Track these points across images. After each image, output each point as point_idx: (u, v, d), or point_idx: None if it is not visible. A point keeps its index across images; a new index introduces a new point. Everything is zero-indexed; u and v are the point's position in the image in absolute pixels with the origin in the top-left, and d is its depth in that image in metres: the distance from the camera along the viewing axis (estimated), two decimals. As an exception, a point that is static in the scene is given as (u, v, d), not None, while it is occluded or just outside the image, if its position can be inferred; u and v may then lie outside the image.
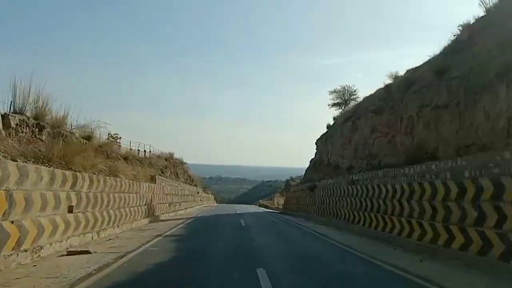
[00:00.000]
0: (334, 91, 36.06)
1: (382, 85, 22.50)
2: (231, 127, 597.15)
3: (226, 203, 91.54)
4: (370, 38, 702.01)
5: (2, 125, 9.40)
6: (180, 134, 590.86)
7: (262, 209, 47.01)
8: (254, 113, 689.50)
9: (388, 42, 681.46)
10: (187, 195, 34.15)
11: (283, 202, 46.73)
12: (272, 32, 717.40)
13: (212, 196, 63.11)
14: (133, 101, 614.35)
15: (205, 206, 43.43)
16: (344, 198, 19.66)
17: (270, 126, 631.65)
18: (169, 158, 35.56)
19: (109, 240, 11.75)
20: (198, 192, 43.73)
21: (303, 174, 41.67)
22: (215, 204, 59.76)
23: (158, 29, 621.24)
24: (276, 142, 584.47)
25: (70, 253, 8.90)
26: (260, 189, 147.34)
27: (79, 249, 9.32)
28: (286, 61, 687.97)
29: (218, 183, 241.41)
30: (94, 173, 11.76)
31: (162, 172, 29.70)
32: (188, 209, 33.12)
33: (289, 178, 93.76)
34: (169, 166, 33.93)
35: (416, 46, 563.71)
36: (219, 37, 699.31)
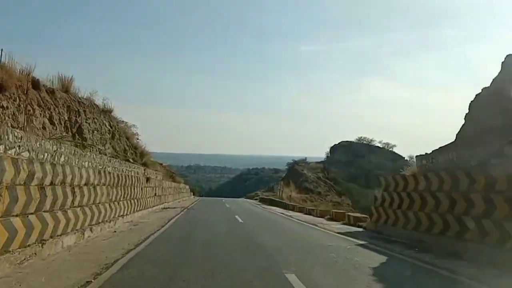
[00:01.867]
0: None
1: None
2: (206, 115, 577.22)
3: (208, 196, 76.56)
4: (349, 25, 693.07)
5: None
6: (154, 122, 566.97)
7: (278, 212, 26.19)
8: (231, 100, 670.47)
9: (368, 29, 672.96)
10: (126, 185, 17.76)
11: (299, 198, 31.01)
12: (250, 19, 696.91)
13: (187, 187, 46.63)
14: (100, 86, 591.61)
15: (175, 205, 27.09)
16: None
17: (248, 113, 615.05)
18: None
19: None
20: (154, 178, 27.67)
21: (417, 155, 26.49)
22: (193, 198, 43.91)
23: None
24: (255, 130, 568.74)
25: None
26: (244, 178, 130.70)
27: None
28: (262, 48, 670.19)
29: (197, 172, 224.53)
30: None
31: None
32: (136, 213, 16.87)
33: (292, 162, 78.17)
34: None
35: (398, 33, 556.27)
36: (191, 23, 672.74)
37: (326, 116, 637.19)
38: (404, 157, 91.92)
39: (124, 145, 19.99)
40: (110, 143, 18.67)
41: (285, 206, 31.03)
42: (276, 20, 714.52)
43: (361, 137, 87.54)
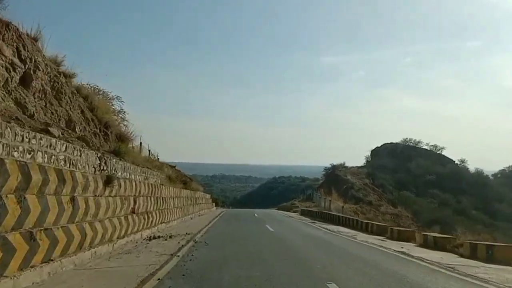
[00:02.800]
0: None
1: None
2: (231, 125, 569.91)
3: (234, 207, 67.24)
4: (370, 36, 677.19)
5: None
6: (182, 134, 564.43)
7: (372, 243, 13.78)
8: (255, 111, 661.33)
9: (387, 40, 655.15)
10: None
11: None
12: (272, 30, 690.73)
13: (208, 196, 36.93)
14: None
15: (177, 228, 17.26)
16: None
17: (272, 124, 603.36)
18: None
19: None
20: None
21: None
22: (216, 211, 34.29)
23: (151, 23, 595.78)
24: (278, 140, 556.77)
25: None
26: (270, 186, 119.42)
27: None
28: (286, 59, 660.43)
29: (221, 182, 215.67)
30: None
31: None
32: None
33: (330, 166, 66.53)
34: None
35: (418, 44, 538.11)
36: (218, 36, 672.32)
37: (349, 126, 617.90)
38: (454, 161, 80.00)
39: (85, 116, 10.77)
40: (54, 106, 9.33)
41: (352, 224, 20.66)
42: (296, 32, 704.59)
43: (407, 138, 76.34)
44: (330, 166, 65.51)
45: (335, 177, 54.94)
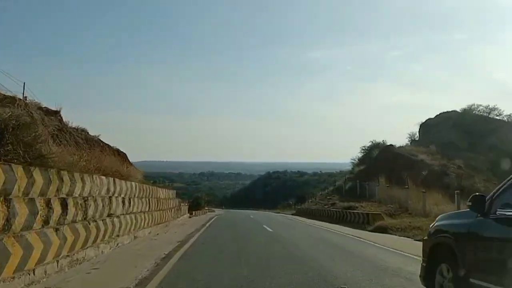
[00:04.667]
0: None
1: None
2: (217, 122, 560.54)
3: (226, 207, 60.96)
4: (356, 29, 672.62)
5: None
6: (165, 132, 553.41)
7: None
8: (240, 107, 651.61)
9: (374, 34, 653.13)
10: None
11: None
12: (257, 25, 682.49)
13: (177, 201, 23.12)
14: (113, 100, 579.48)
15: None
16: None
17: (258, 119, 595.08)
18: None
19: None
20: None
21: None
22: (195, 223, 21.90)
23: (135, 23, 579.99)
24: (266, 136, 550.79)
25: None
26: (264, 183, 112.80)
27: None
28: (271, 54, 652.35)
29: (210, 180, 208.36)
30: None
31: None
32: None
33: (371, 144, 44.70)
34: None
35: (405, 37, 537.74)
36: (201, 33, 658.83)
37: (338, 122, 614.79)
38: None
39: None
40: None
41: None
42: (282, 26, 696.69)
43: (473, 104, 46.76)
44: (371, 143, 44.91)
45: (393, 159, 35.60)
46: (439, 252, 4.70)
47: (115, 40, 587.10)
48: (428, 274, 4.86)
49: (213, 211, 62.38)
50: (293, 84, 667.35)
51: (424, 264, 5.02)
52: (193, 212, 31.91)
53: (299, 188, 78.20)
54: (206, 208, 73.19)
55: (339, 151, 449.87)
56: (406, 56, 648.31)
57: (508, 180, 3.95)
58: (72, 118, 15.48)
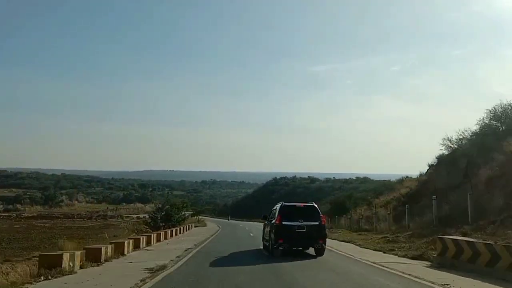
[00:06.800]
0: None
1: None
2: (222, 134, 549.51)
3: (222, 217, 49.09)
4: (357, 44, 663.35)
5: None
6: (170, 143, 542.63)
7: None
8: (246, 120, 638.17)
9: (375, 49, 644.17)
10: None
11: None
12: (258, 40, 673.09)
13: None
14: (119, 111, 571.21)
15: None
16: None
17: (260, 132, 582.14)
18: None
19: None
20: None
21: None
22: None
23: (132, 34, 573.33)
24: (270, 147, 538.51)
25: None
26: (271, 190, 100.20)
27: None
28: (276, 68, 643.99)
29: (212, 188, 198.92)
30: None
31: None
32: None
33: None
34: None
35: (403, 53, 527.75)
36: (210, 48, 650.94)
37: (338, 134, 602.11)
38: None
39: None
40: None
41: None
42: (284, 41, 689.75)
43: None
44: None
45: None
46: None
47: (125, 56, 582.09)
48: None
49: (205, 224, 51.44)
50: (293, 97, 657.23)
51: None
52: (151, 238, 17.79)
53: (312, 195, 66.86)
54: (200, 218, 60.69)
55: (343, 161, 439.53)
56: (406, 70, 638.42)
57: (272, 209, 14.95)
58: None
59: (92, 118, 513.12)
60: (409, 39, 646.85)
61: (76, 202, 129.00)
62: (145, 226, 24.70)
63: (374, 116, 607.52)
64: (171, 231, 23.22)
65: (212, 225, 48.72)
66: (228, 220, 69.56)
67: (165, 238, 20.84)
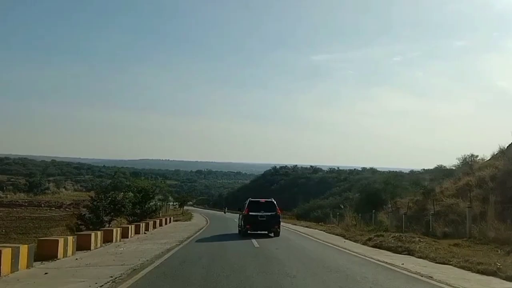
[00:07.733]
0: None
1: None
2: (220, 123, 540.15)
3: (213, 207, 42.11)
4: (358, 34, 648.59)
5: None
6: (165, 132, 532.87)
7: None
8: (244, 110, 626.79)
9: (376, 39, 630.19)
10: None
11: None
12: (259, 29, 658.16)
13: None
14: (122, 100, 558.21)
15: None
16: None
17: (259, 123, 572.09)
18: None
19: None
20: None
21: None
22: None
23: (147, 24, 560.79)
24: (268, 138, 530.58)
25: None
26: (270, 180, 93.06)
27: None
28: (275, 58, 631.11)
29: (207, 178, 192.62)
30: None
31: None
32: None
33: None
34: None
35: (405, 43, 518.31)
36: (207, 38, 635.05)
37: (337, 125, 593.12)
38: None
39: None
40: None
41: None
42: (286, 31, 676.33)
43: None
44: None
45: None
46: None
47: (123, 43, 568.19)
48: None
49: (190, 217, 41.03)
50: (290, 87, 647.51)
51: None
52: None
53: (315, 186, 60.58)
54: (185, 210, 53.54)
55: (343, 154, 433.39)
56: (407, 61, 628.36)
57: (243, 203, 19.67)
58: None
59: (86, 105, 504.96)
60: (411, 31, 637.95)
61: (63, 189, 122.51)
62: (79, 222, 17.27)
63: (375, 108, 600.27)
64: (117, 231, 16.08)
65: (199, 219, 37.90)
66: (225, 213, 59.49)
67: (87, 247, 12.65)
